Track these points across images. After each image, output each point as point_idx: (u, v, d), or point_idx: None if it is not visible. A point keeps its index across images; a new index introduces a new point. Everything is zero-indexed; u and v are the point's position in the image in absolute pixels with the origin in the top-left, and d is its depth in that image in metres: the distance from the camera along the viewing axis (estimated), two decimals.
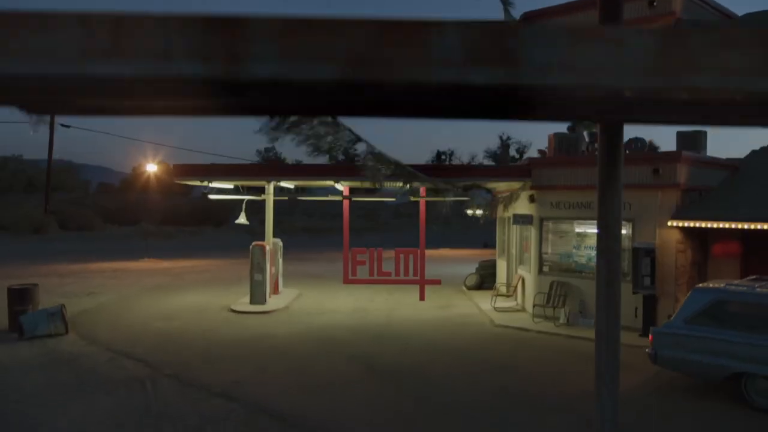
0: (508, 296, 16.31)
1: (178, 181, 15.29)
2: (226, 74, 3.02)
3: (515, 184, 14.40)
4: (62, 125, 38.95)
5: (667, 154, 12.98)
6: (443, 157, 61.88)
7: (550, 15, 14.98)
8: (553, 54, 3.13)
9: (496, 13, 12.20)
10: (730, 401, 8.83)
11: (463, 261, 27.53)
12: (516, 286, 15.91)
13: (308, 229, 48.17)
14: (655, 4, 13.13)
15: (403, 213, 62.04)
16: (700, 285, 9.64)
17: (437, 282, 17.85)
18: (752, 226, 11.62)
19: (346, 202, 16.20)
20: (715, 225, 12.07)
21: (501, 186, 17.05)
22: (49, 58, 2.88)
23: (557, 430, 7.99)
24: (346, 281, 17.11)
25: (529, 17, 15.00)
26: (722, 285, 9.26)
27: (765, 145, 15.21)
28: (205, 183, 15.55)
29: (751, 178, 13.58)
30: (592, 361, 4.07)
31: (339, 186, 15.81)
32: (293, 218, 52.06)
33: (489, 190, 16.42)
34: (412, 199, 19.19)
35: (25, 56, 2.82)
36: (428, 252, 24.24)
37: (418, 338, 12.89)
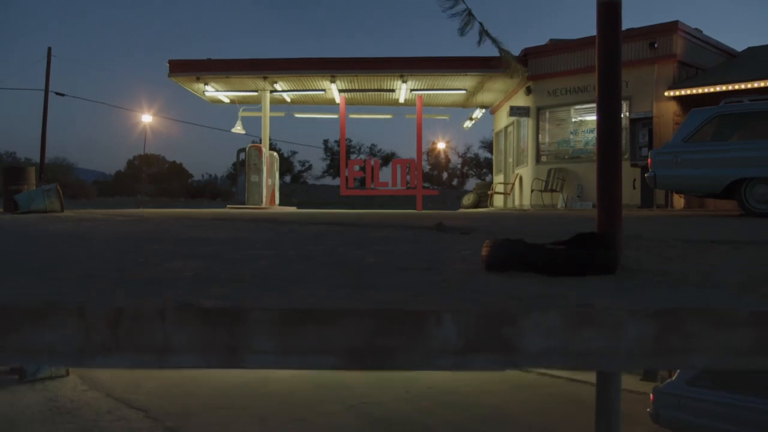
0: (505, 195, 16.25)
1: (174, 78, 15.17)
2: (225, 365, 2.84)
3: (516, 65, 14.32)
4: (57, 93, 38.95)
5: (663, 25, 12.97)
6: None
7: (549, 53, 14.84)
8: (551, 341, 2.97)
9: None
10: (728, 216, 8.84)
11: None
12: (513, 184, 15.86)
13: (305, 203, 48.13)
14: (656, 45, 12.88)
15: (400, 199, 62.19)
16: (697, 108, 9.64)
17: (435, 192, 17.85)
18: (749, 86, 11.64)
19: (342, 101, 16.11)
20: (712, 89, 12.08)
21: (496, 94, 17.01)
22: (48, 354, 2.75)
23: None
24: (344, 192, 17.03)
25: (528, 53, 14.94)
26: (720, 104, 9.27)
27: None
28: (201, 84, 15.46)
29: (748, 61, 13.63)
30: (592, 221, 4.04)
31: (334, 87, 15.74)
32: (290, 198, 52.07)
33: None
34: (408, 116, 19.14)
35: (24, 353, 2.65)
36: (424, 212, 24.10)
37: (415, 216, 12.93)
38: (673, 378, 9.78)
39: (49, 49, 37.86)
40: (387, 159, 68.07)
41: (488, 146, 65.99)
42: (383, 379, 9.75)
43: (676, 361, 2.73)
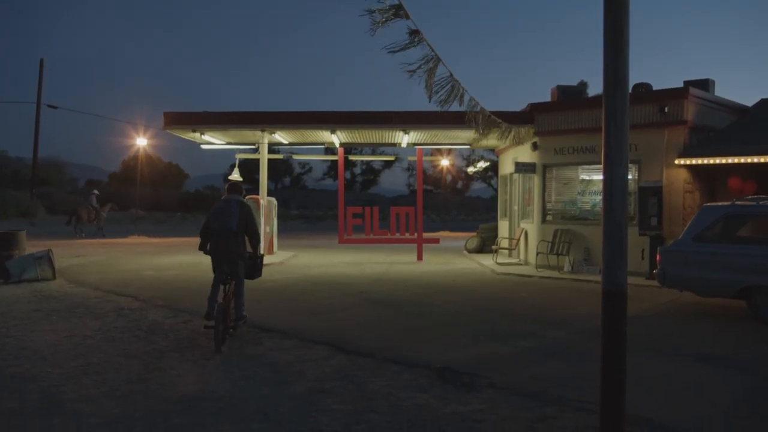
0: (510, 250, 15.87)
1: (169, 131, 14.75)
2: None
3: (519, 130, 13.95)
4: (49, 106, 38.43)
5: (674, 91, 12.63)
6: None
7: (556, 110, 14.52)
8: None
9: None
10: (741, 319, 8.47)
11: (462, 239, 27.19)
12: (518, 239, 15.48)
13: (303, 216, 47.68)
14: (666, 110, 12.49)
15: (401, 204, 61.59)
16: (709, 203, 9.27)
17: (436, 241, 17.46)
18: (762, 159, 11.27)
19: (340, 152, 15.73)
20: (723, 161, 11.73)
21: (504, 142, 16.65)
22: None
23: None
24: (342, 241, 16.66)
25: (534, 109, 14.65)
26: (730, 202, 8.92)
27: None
28: (197, 134, 15.05)
29: (761, 121, 13.25)
30: (598, 294, 3.90)
31: (335, 137, 15.37)
32: (289, 209, 51.51)
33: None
34: (410, 158, 18.76)
35: None
36: (428, 234, 23.65)
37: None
38: (680, 237, 9.60)
39: (41, 60, 37.51)
40: (389, 163, 67.03)
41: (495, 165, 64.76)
42: (382, 280, 9.61)
43: None
